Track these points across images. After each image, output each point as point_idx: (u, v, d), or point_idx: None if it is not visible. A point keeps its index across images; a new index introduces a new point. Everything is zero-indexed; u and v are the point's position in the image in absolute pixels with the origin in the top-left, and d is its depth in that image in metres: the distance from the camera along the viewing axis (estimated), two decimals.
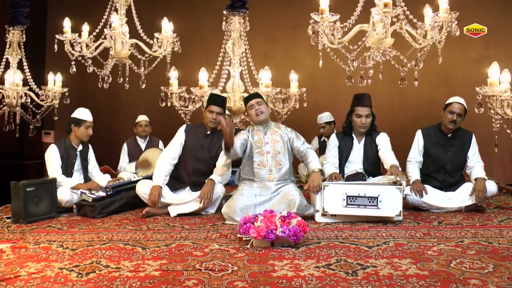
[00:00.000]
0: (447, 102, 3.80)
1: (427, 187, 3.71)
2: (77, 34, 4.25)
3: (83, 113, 4.02)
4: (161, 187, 3.63)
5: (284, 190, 3.50)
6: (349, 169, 3.82)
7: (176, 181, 3.79)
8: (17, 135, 5.26)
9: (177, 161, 3.80)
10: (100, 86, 4.49)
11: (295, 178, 3.78)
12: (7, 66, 4.97)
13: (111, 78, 4.51)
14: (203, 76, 4.56)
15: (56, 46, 4.21)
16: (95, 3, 5.35)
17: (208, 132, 3.84)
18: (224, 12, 4.67)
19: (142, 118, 5.33)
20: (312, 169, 3.54)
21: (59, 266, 2.40)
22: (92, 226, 3.34)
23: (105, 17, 4.40)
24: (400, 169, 3.42)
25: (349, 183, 3.47)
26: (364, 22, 3.34)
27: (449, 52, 5.14)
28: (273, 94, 4.69)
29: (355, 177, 3.73)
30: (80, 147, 4.04)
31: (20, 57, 5.00)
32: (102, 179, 4.13)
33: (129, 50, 4.37)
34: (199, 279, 2.18)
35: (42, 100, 5.02)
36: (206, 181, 3.64)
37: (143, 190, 3.68)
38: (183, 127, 3.87)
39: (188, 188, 3.75)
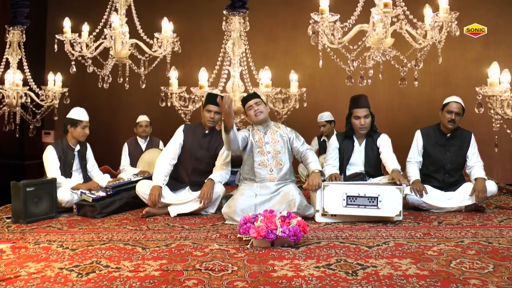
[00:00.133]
0: (444, 102, 3.81)
1: (427, 187, 3.71)
2: (77, 34, 4.24)
3: (78, 113, 4.00)
4: (161, 187, 3.63)
5: (284, 190, 3.50)
6: (351, 171, 3.82)
7: (175, 181, 3.79)
8: (17, 135, 5.26)
9: (177, 161, 3.80)
10: (100, 86, 4.48)
11: (295, 178, 3.78)
12: (7, 66, 4.97)
13: (111, 78, 4.51)
14: (203, 76, 4.56)
15: (56, 46, 4.21)
16: (95, 3, 5.35)
17: (207, 132, 3.84)
18: (224, 12, 4.66)
19: (143, 119, 5.33)
20: (312, 170, 3.53)
21: (59, 266, 2.40)
22: (92, 226, 3.34)
23: (105, 17, 4.39)
24: (401, 173, 3.42)
25: (349, 183, 3.48)
26: (364, 22, 3.33)
27: (449, 52, 5.14)
28: (273, 94, 4.69)
29: (355, 178, 3.73)
30: (77, 147, 4.03)
31: (20, 57, 4.99)
32: (102, 178, 4.14)
33: (129, 50, 4.36)
34: (199, 279, 2.18)
35: (42, 100, 5.02)
36: (205, 181, 3.64)
37: (143, 190, 3.68)
38: (182, 127, 3.87)
39: (188, 188, 3.75)
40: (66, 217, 3.67)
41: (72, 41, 4.22)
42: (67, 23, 4.25)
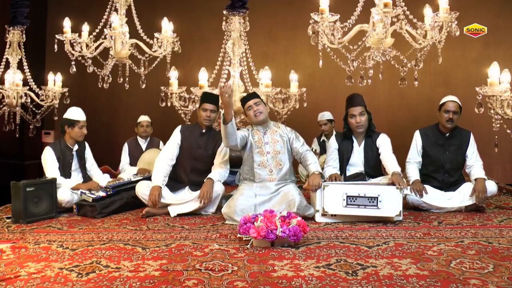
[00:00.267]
0: (441, 102, 3.82)
1: (427, 187, 3.71)
2: (77, 34, 4.25)
3: (75, 113, 3.98)
4: (161, 187, 3.63)
5: (284, 190, 3.50)
6: (351, 171, 3.81)
7: (175, 182, 3.79)
8: (17, 135, 5.27)
9: (175, 162, 3.80)
10: (100, 86, 4.49)
11: (295, 178, 3.78)
12: (7, 66, 4.98)
13: (111, 78, 4.51)
14: (203, 76, 4.56)
15: (56, 46, 4.22)
16: (95, 3, 5.35)
17: (204, 131, 3.85)
18: (224, 12, 4.67)
19: (144, 119, 5.32)
20: (312, 171, 3.53)
21: (59, 266, 2.40)
22: (92, 226, 3.34)
23: (105, 17, 4.40)
24: (402, 175, 3.42)
25: (349, 183, 3.48)
26: (364, 22, 3.34)
27: (449, 52, 5.14)
28: (273, 94, 4.69)
29: (355, 178, 3.72)
30: (76, 147, 4.03)
31: (20, 57, 5.00)
32: (101, 178, 4.13)
33: (129, 50, 4.37)
34: (199, 279, 2.18)
35: (42, 100, 5.02)
36: (204, 180, 3.64)
37: (142, 191, 3.68)
38: (179, 127, 3.88)
39: (187, 188, 3.75)
40: (66, 217, 3.67)
41: (72, 41, 4.23)
42: (67, 23, 4.26)
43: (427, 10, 3.30)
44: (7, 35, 4.96)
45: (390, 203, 3.25)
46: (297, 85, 4.83)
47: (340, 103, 4.14)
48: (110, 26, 4.19)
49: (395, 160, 3.57)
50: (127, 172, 5.00)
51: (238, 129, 3.85)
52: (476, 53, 6.27)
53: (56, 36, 4.23)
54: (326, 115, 5.53)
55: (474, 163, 3.77)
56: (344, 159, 3.80)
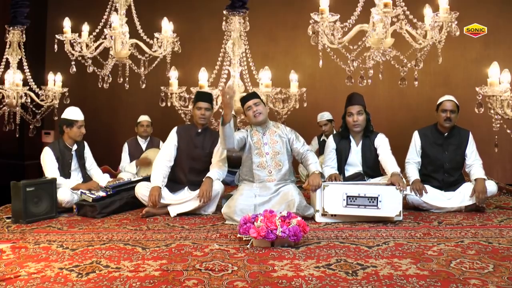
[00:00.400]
0: (438, 102, 3.83)
1: (427, 187, 3.71)
2: (77, 34, 4.24)
3: (73, 113, 3.98)
4: (160, 187, 3.63)
5: (284, 190, 3.50)
6: (349, 172, 3.81)
7: (174, 183, 3.79)
8: (17, 135, 5.26)
9: (173, 163, 3.81)
10: (100, 86, 4.49)
11: (295, 178, 3.78)
12: (7, 66, 4.97)
13: (111, 78, 4.51)
14: (203, 76, 4.56)
15: (56, 46, 4.21)
16: (95, 3, 5.35)
17: (199, 130, 3.85)
18: (224, 12, 4.66)
19: (144, 119, 5.32)
20: (312, 171, 3.53)
21: (59, 266, 2.40)
22: (92, 226, 3.34)
23: (105, 17, 4.40)
24: (401, 175, 3.42)
25: (349, 183, 3.48)
26: (364, 22, 3.33)
27: (449, 52, 5.14)
28: (273, 94, 4.69)
29: (355, 178, 3.72)
30: (75, 147, 4.02)
31: (20, 57, 5.00)
32: (101, 178, 4.14)
33: (129, 50, 4.37)
34: (199, 279, 2.18)
35: (42, 100, 5.02)
36: (203, 179, 3.64)
37: (142, 192, 3.68)
38: (174, 129, 3.89)
39: (186, 188, 3.76)
40: (66, 217, 3.67)
41: (72, 41, 4.23)
42: (67, 23, 4.25)
43: (427, 10, 3.30)
44: (7, 35, 4.96)
45: (390, 203, 3.25)
46: (297, 85, 4.82)
47: (340, 103, 4.14)
48: (110, 26, 4.19)
49: (394, 161, 3.57)
50: (127, 169, 5.01)
51: (238, 129, 3.85)
52: (476, 53, 6.27)
53: (56, 36, 4.23)
54: (325, 116, 5.54)
55: (473, 162, 3.77)
56: (342, 159, 3.80)
